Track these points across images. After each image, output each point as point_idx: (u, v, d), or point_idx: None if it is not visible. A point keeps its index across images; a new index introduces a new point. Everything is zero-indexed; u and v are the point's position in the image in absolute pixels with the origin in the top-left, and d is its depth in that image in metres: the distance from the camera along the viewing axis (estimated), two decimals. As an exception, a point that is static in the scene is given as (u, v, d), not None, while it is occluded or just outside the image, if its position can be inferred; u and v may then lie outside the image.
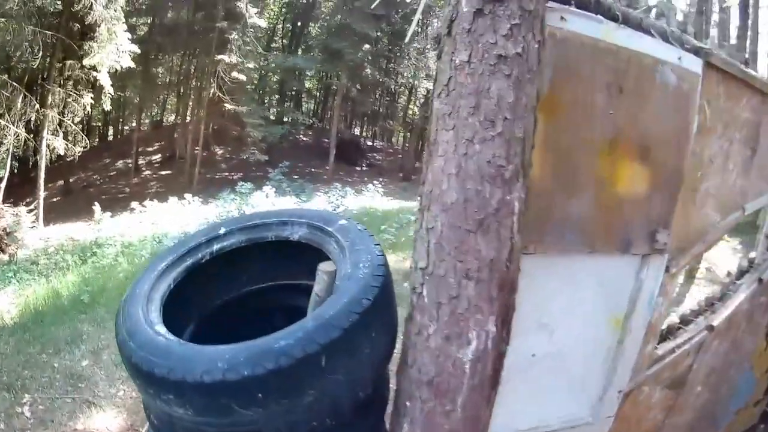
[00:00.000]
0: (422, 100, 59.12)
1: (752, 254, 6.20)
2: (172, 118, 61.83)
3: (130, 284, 4.22)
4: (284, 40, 62.12)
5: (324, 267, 3.79)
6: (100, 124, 58.34)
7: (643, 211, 4.44)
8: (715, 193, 4.90)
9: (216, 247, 4.55)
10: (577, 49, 3.80)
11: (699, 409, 5.94)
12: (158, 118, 62.67)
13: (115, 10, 31.66)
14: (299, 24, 60.25)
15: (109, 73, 33.29)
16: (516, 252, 3.48)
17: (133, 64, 34.41)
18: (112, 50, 32.17)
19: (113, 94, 34.74)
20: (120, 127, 61.26)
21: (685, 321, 5.57)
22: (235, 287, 4.83)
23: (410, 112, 64.29)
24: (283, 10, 60.64)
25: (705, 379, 5.73)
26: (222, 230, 4.61)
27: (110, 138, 60.18)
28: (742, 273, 6.05)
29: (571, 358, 4.45)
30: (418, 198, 3.64)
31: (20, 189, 38.40)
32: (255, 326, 4.01)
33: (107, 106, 36.28)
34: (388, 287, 3.73)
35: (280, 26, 62.30)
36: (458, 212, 3.34)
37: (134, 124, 53.49)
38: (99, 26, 31.23)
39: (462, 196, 3.32)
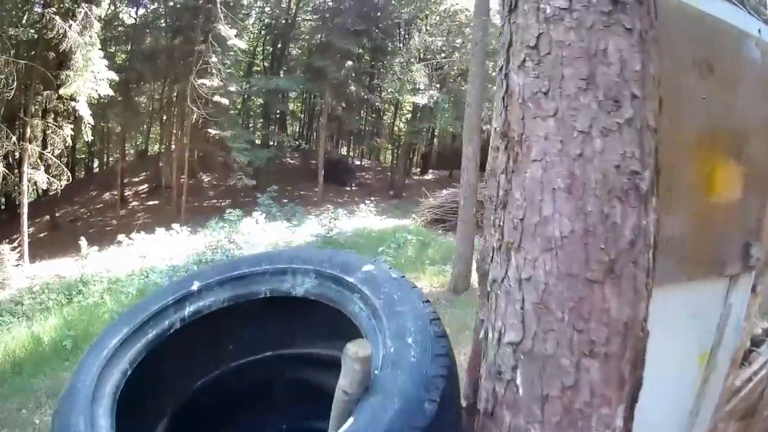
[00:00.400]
0: (408, 116, 59.30)
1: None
2: (157, 147, 61.53)
3: (72, 371, 3.01)
4: (265, 63, 62.02)
5: (354, 351, 2.31)
6: (85, 156, 58.22)
7: (738, 222, 3.65)
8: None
9: (189, 310, 3.34)
10: (661, 15, 2.80)
11: None
12: (143, 148, 62.68)
13: (90, 37, 31.13)
14: (279, 45, 60.04)
15: (89, 102, 32.75)
16: (650, 304, 2.38)
17: (111, 92, 33.88)
18: (89, 78, 31.57)
19: (93, 124, 34.17)
20: (105, 159, 61.20)
21: (756, 342, 4.92)
22: (218, 362, 3.59)
23: (396, 128, 64.17)
24: (263, 32, 60.56)
25: None
26: (196, 285, 3.39)
27: (96, 170, 60.01)
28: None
29: (655, 411, 3.52)
30: (492, 227, 2.50)
31: (9, 226, 38.32)
32: (250, 410, 3.28)
33: (88, 137, 35.72)
34: (454, 374, 2.51)
35: (260, 49, 62.12)
36: (574, 252, 2.19)
37: (119, 155, 52.97)
38: (74, 53, 30.62)
39: (580, 226, 2.18)
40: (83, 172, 57.18)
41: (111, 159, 59.76)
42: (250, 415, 3.26)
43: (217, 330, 3.48)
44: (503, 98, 2.39)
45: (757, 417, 4.86)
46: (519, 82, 2.31)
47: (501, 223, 2.44)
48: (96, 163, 61.40)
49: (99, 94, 32.79)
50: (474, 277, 13.44)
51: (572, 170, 2.17)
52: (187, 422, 3.35)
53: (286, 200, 38.40)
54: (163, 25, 48.38)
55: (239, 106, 53.63)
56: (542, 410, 2.29)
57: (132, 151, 60.99)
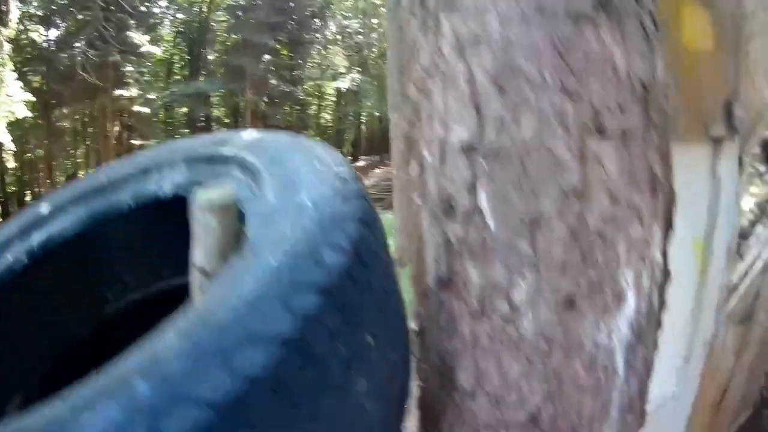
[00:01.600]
0: (333, 104, 59.26)
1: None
2: (85, 169, 60.68)
3: None
4: (184, 71, 61.11)
5: (206, 198, 1.71)
6: (16, 188, 57.19)
7: (715, 74, 3.27)
8: (762, 58, 3.76)
9: (38, 239, 2.46)
10: None
11: (759, 344, 4.88)
12: (72, 171, 61.51)
13: (2, 58, 30.43)
14: (196, 50, 59.23)
15: (9, 130, 32.04)
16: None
17: (29, 113, 33.10)
18: (5, 101, 30.81)
19: (15, 150, 33.42)
20: (37, 189, 60.02)
21: (743, 234, 4.58)
22: (88, 309, 2.62)
23: (322, 120, 63.81)
24: (177, 39, 59.70)
25: (766, 303, 4.65)
26: (45, 208, 2.53)
27: (29, 201, 59.01)
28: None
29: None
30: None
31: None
32: None
33: (10, 164, 34.91)
34: (377, 221, 1.80)
35: (177, 56, 61.27)
36: None
37: (48, 181, 52.08)
38: (-13, 76, 29.99)
39: None
40: (16, 206, 56.48)
41: (42, 189, 58.93)
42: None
43: (81, 262, 2.60)
44: None
45: (754, 321, 4.64)
46: None
47: None
48: (28, 195, 60.58)
49: (17, 117, 32.05)
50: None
51: None
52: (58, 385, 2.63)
53: (221, 204, 38.32)
54: (77, 44, 47.80)
55: (161, 116, 53.23)
56: (533, 244, 1.55)
57: (62, 177, 60.16)
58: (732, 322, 4.16)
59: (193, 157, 2.31)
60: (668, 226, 1.81)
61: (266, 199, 1.72)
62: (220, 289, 1.42)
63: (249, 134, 2.28)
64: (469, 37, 1.60)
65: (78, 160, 59.55)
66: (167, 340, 1.24)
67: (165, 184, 2.34)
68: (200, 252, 1.71)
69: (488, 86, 1.57)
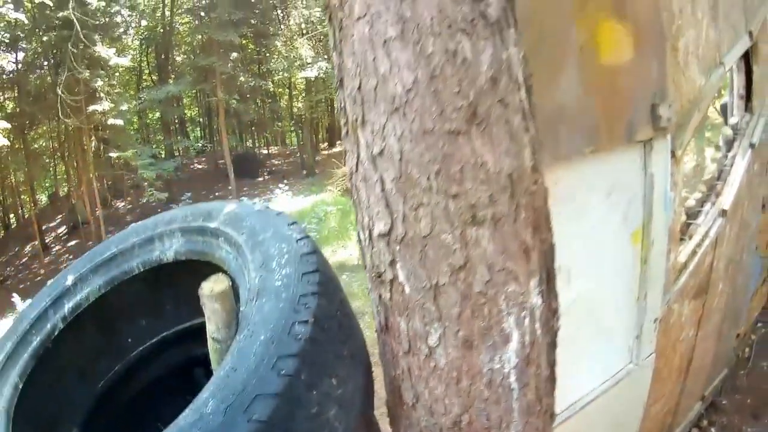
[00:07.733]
0: (303, 93, 58.79)
1: (732, 120, 5.51)
2: (66, 186, 60.34)
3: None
4: (153, 76, 60.77)
5: (209, 289, 2.34)
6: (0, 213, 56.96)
7: (637, 82, 3.53)
8: (693, 50, 4.02)
9: (68, 306, 3.10)
10: None
11: (723, 310, 5.35)
12: (53, 190, 61.21)
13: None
14: (163, 55, 58.93)
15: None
16: (539, 153, 2.13)
17: (7, 141, 33.03)
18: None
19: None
20: (21, 211, 59.70)
21: (691, 214, 4.91)
22: (117, 355, 3.31)
23: (295, 109, 64.21)
24: (144, 45, 59.31)
25: (724, 274, 5.07)
26: (70, 279, 3.15)
27: (13, 225, 58.63)
28: (730, 142, 5.36)
29: (597, 300, 3.57)
30: (340, 114, 2.27)
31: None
32: (167, 398, 3.05)
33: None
34: (332, 286, 2.37)
35: (145, 62, 60.95)
36: (425, 104, 1.92)
37: (32, 204, 51.99)
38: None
39: (424, 72, 1.91)
40: (2, 231, 56.02)
41: (25, 210, 58.67)
42: (170, 403, 2.83)
43: (104, 320, 3.27)
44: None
45: (712, 292, 4.91)
46: None
47: (342, 105, 2.21)
48: (12, 218, 60.17)
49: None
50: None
51: (401, 13, 1.89)
52: (99, 426, 3.20)
53: (202, 204, 38.16)
54: (45, 63, 47.34)
55: (136, 125, 53.36)
56: (437, 304, 2.10)
57: (44, 197, 59.82)
58: (687, 298, 4.45)
59: (187, 229, 2.99)
60: (549, 275, 2.25)
61: (250, 274, 2.38)
62: (232, 360, 2.03)
63: (229, 207, 2.90)
64: (376, 150, 2.08)
65: (58, 177, 59.33)
66: (205, 400, 1.93)
67: (167, 252, 3.06)
68: (212, 326, 2.38)
69: (396, 193, 2.06)
